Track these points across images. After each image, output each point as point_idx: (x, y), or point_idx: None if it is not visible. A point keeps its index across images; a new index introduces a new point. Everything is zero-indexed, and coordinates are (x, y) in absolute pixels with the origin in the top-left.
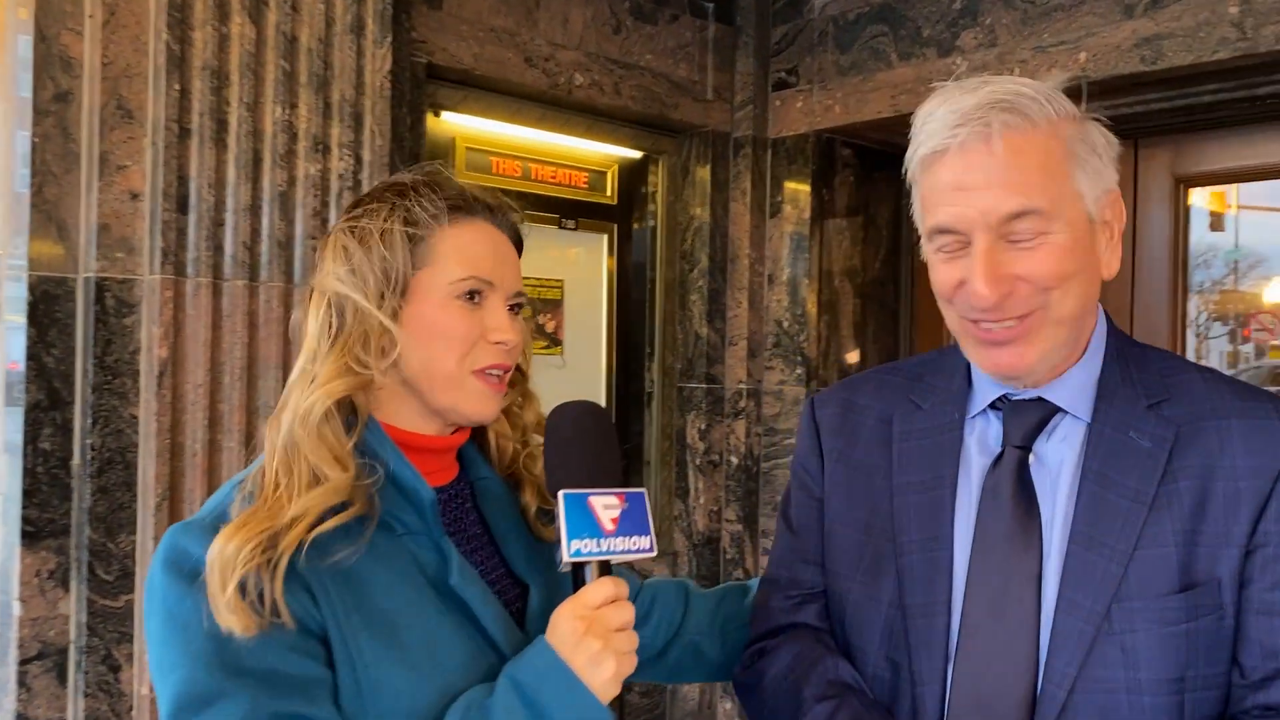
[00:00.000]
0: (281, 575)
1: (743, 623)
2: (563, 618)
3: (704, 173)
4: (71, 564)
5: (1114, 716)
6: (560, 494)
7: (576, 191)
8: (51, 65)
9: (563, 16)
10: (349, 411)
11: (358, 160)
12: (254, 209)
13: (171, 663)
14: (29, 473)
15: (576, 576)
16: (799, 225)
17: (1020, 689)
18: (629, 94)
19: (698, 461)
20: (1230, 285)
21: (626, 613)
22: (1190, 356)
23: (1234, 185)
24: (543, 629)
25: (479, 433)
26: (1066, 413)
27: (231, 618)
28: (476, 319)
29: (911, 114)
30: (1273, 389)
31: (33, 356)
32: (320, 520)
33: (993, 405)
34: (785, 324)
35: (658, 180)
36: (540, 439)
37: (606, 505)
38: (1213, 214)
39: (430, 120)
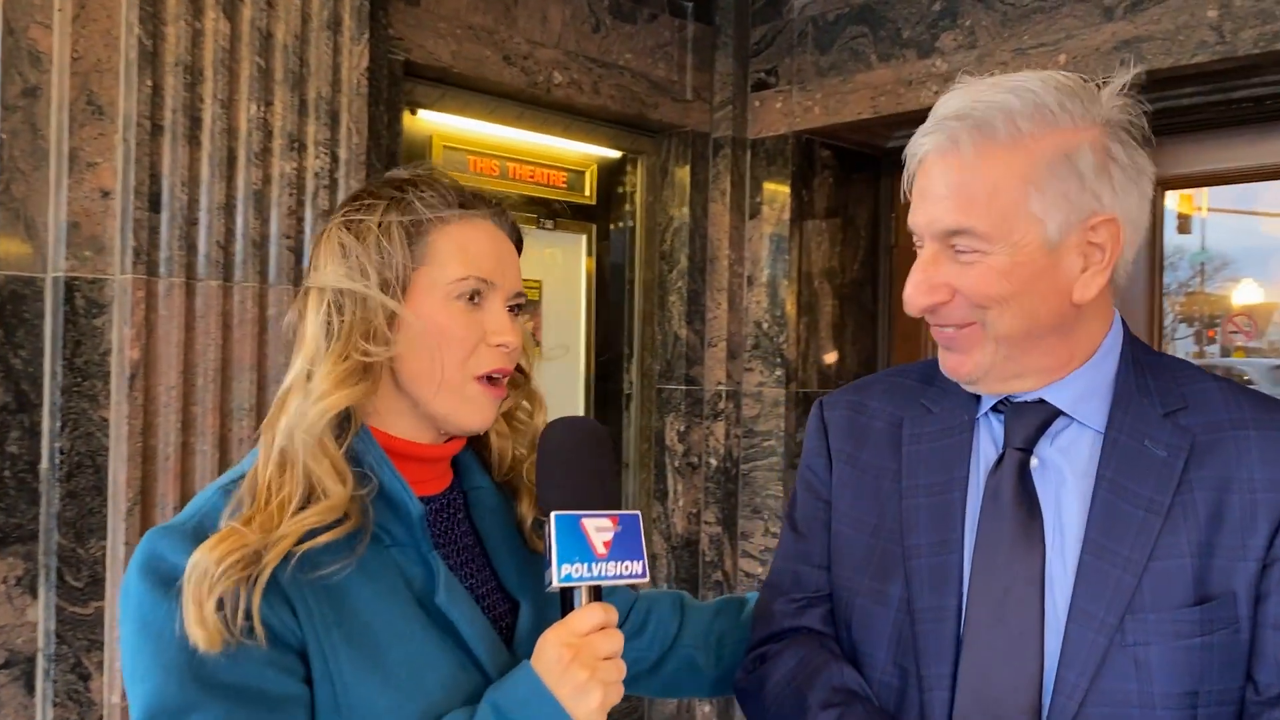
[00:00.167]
0: (261, 589)
1: (739, 637)
2: (549, 644)
3: (683, 173)
4: (40, 570)
5: None
6: (551, 515)
7: (555, 191)
8: (20, 60)
9: (541, 14)
10: (342, 416)
11: (334, 159)
12: (228, 208)
13: (143, 672)
14: None
15: (565, 599)
16: (778, 226)
17: (1026, 695)
18: (608, 93)
19: (677, 463)
20: (1196, 287)
21: (615, 641)
22: None
23: (1205, 188)
24: (530, 647)
25: (479, 435)
26: (1072, 418)
27: (199, 631)
28: (476, 320)
29: (891, 115)
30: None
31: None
32: (312, 534)
33: (995, 408)
34: (765, 325)
35: (636, 180)
36: None
37: (599, 528)
38: (1180, 216)
39: (407, 118)
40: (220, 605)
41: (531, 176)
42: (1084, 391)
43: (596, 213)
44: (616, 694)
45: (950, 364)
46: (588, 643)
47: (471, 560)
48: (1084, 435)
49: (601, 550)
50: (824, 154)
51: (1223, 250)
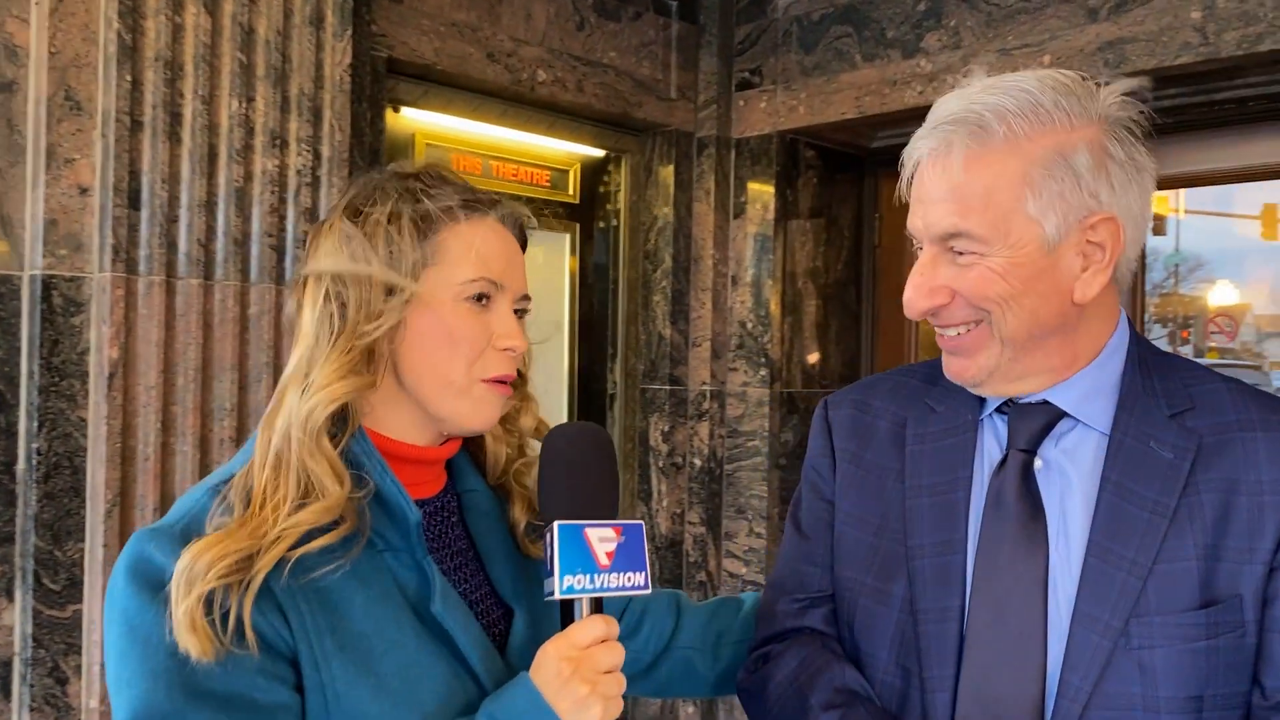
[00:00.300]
0: (253, 595)
1: (736, 638)
2: (549, 657)
3: (667, 172)
4: (16, 573)
5: None
6: (555, 525)
7: (538, 190)
8: None
9: (525, 12)
10: (338, 416)
11: (316, 156)
12: (209, 205)
13: (128, 678)
14: None
15: (565, 610)
16: (763, 226)
17: (1029, 698)
18: (592, 91)
19: (661, 464)
20: (1171, 289)
21: (617, 654)
22: None
23: (1181, 190)
24: (525, 657)
25: (474, 437)
26: (1077, 420)
27: (189, 638)
28: (484, 323)
29: (875, 115)
30: None
31: None
32: (307, 538)
33: (1000, 409)
34: (749, 325)
35: (620, 179)
36: (537, 445)
37: (602, 538)
38: (1156, 218)
39: (389, 116)
40: (210, 611)
41: (515, 175)
42: (1088, 392)
43: (580, 212)
44: (616, 708)
45: (955, 368)
46: (588, 656)
47: (465, 565)
48: (1089, 437)
49: (604, 561)
50: (808, 154)
51: (1197, 251)
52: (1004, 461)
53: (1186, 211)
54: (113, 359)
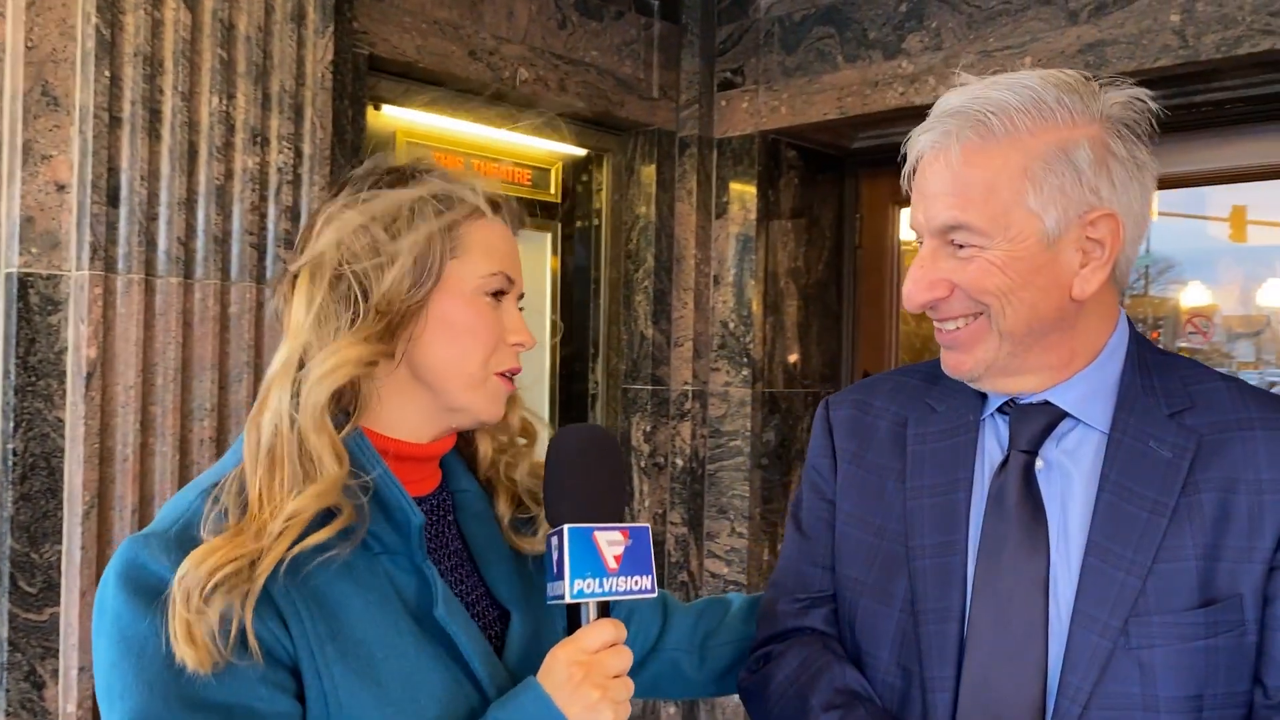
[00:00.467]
0: (253, 602)
1: (725, 639)
2: (559, 662)
3: (649, 172)
4: None
5: None
6: (565, 529)
7: (520, 189)
8: None
9: (508, 10)
10: (339, 411)
11: (298, 154)
12: (189, 203)
13: (122, 690)
14: None
15: (572, 614)
16: (745, 226)
17: (1029, 698)
18: (574, 90)
19: (643, 464)
20: (1141, 290)
21: (625, 659)
22: None
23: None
24: (524, 660)
25: (463, 436)
26: (1078, 419)
27: (189, 650)
28: (498, 318)
29: (857, 116)
30: None
31: None
32: (305, 534)
33: (1001, 409)
34: (731, 325)
35: (602, 178)
36: (522, 441)
37: (611, 541)
38: None
39: (370, 114)
40: (208, 620)
41: (496, 173)
42: (1089, 392)
43: (561, 211)
44: (625, 713)
45: (951, 362)
46: (598, 660)
47: (460, 567)
48: (1089, 437)
49: (613, 564)
50: (790, 154)
51: (1167, 253)
52: (1005, 462)
53: (1159, 214)
54: (91, 358)
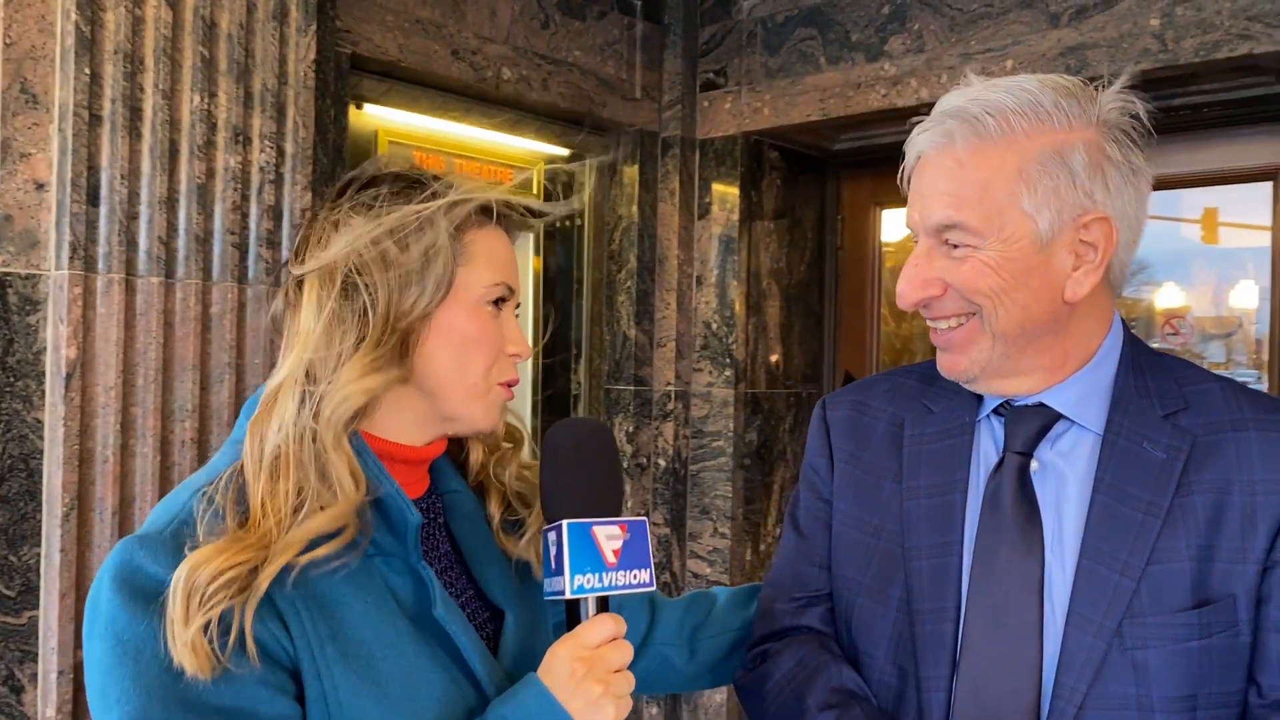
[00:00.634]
0: (255, 606)
1: (714, 632)
2: (560, 658)
3: (632, 172)
4: None
5: None
6: (564, 524)
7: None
8: None
9: (490, 9)
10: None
11: (280, 153)
12: (170, 202)
13: (118, 695)
14: None
15: (571, 610)
16: (727, 227)
17: (1024, 698)
18: (557, 90)
19: (625, 464)
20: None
21: (626, 653)
22: None
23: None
24: (518, 659)
25: (454, 440)
26: (1072, 421)
27: (188, 655)
28: (498, 327)
29: (839, 118)
30: None
31: None
32: (311, 545)
33: (996, 411)
34: (714, 326)
35: (585, 179)
36: (509, 445)
37: (609, 536)
38: None
39: (352, 113)
40: (208, 625)
41: (478, 173)
42: (1083, 394)
43: (542, 213)
44: (627, 707)
45: (946, 363)
46: (599, 655)
47: (450, 568)
48: (1084, 438)
49: (611, 559)
50: (772, 155)
51: (1141, 255)
52: (1000, 464)
53: None
54: (70, 359)
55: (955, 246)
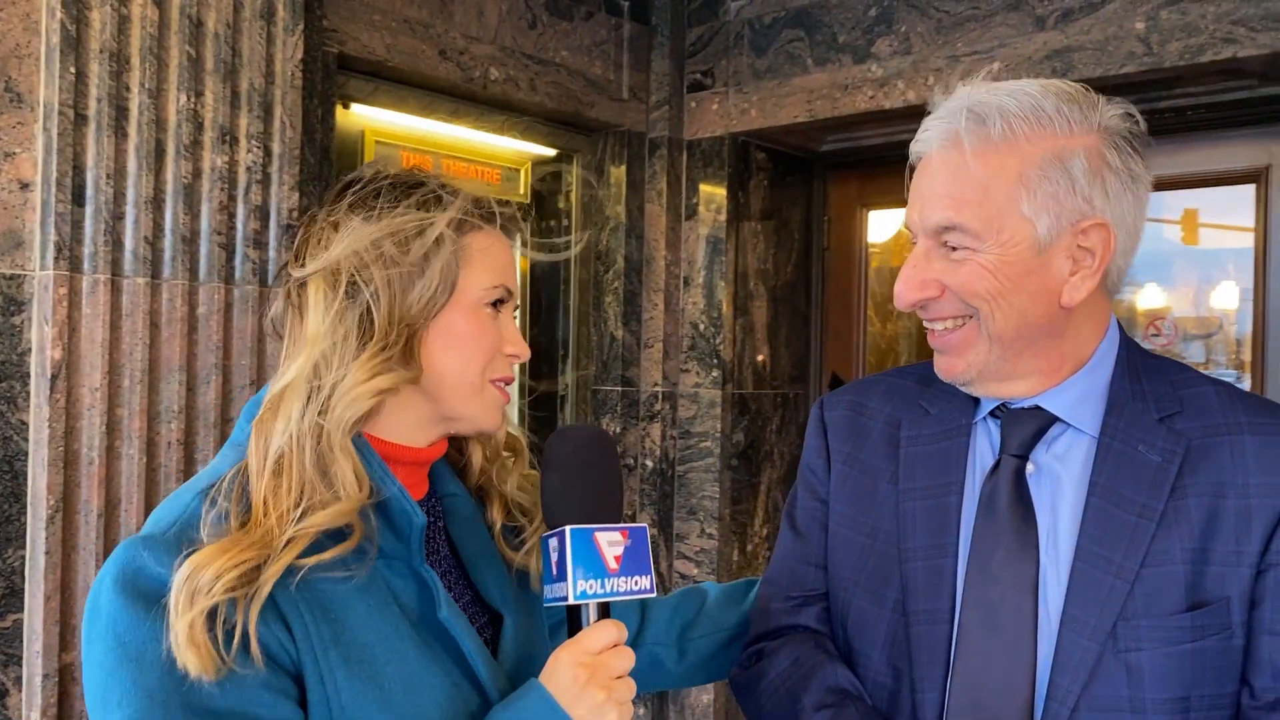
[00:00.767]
0: (258, 609)
1: (703, 631)
2: (564, 663)
3: (619, 173)
4: None
5: None
6: (566, 530)
7: (489, 189)
8: None
9: (478, 9)
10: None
11: (267, 152)
12: (156, 202)
13: (119, 698)
14: None
15: (572, 616)
16: (715, 228)
17: (1018, 699)
18: (544, 90)
19: None
20: None
21: (628, 659)
22: None
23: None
24: (515, 662)
25: (456, 442)
26: (1068, 424)
27: (192, 655)
28: (497, 329)
29: (827, 119)
30: None
31: None
32: (317, 548)
33: (993, 413)
34: (701, 326)
35: (572, 179)
36: (509, 455)
37: (611, 542)
38: None
39: (339, 113)
40: (212, 625)
41: (466, 173)
42: (1079, 397)
43: (531, 211)
44: (629, 713)
45: (943, 365)
46: (601, 661)
47: (449, 572)
48: (1080, 441)
49: (613, 565)
50: (759, 156)
51: None
52: (996, 466)
53: None
54: (55, 360)
55: (954, 249)
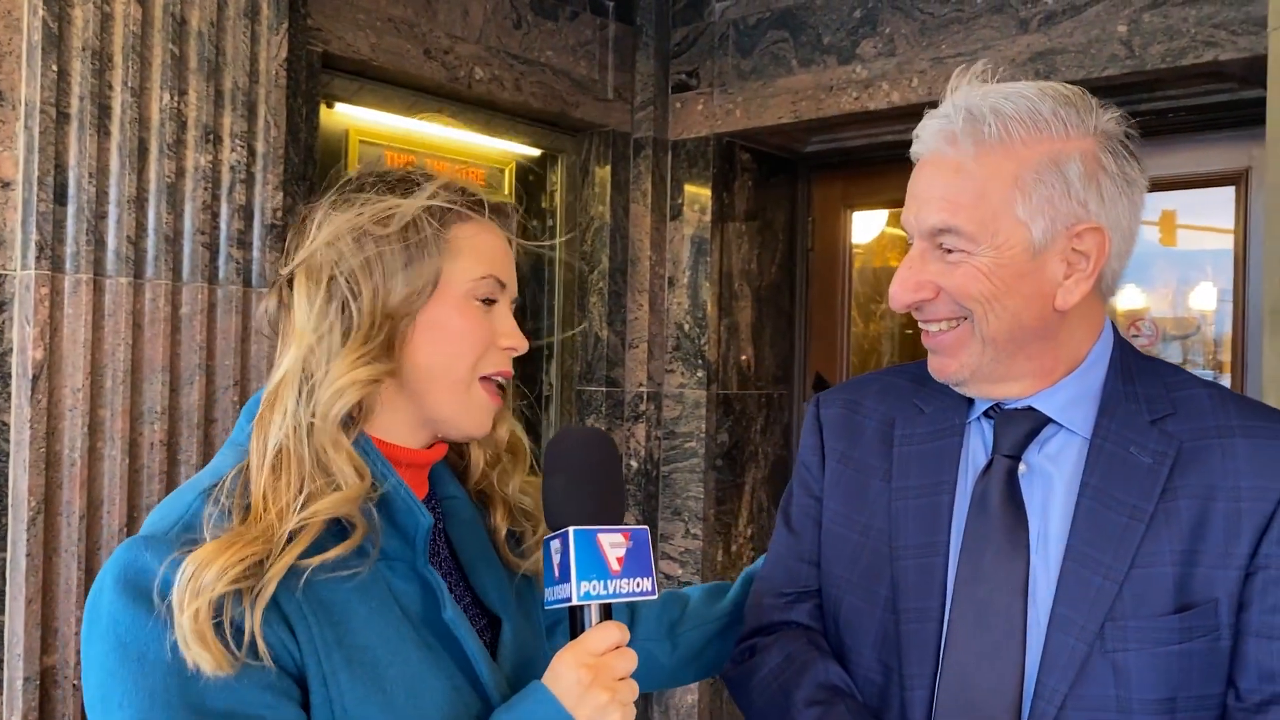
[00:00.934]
0: (263, 606)
1: (692, 625)
2: (566, 665)
3: (604, 173)
4: None
5: None
6: (570, 531)
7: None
8: None
9: (463, 9)
10: (347, 416)
11: (251, 152)
12: (139, 201)
13: (120, 699)
14: None
15: (574, 618)
16: (699, 228)
17: (1006, 698)
18: (529, 90)
19: None
20: None
21: (631, 660)
22: None
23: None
24: (515, 665)
25: (455, 447)
26: (1061, 425)
27: (202, 652)
28: (488, 323)
29: (811, 120)
30: None
31: None
32: (320, 548)
33: (986, 413)
34: (686, 327)
35: (557, 179)
36: (510, 456)
37: (613, 544)
38: None
39: (323, 112)
40: (218, 624)
41: (449, 173)
42: (1072, 399)
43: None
44: (631, 715)
45: (937, 366)
46: (605, 663)
47: (449, 574)
48: (1072, 442)
49: (615, 567)
50: (744, 157)
51: None
52: (989, 466)
53: None
54: (37, 360)
55: (949, 251)
